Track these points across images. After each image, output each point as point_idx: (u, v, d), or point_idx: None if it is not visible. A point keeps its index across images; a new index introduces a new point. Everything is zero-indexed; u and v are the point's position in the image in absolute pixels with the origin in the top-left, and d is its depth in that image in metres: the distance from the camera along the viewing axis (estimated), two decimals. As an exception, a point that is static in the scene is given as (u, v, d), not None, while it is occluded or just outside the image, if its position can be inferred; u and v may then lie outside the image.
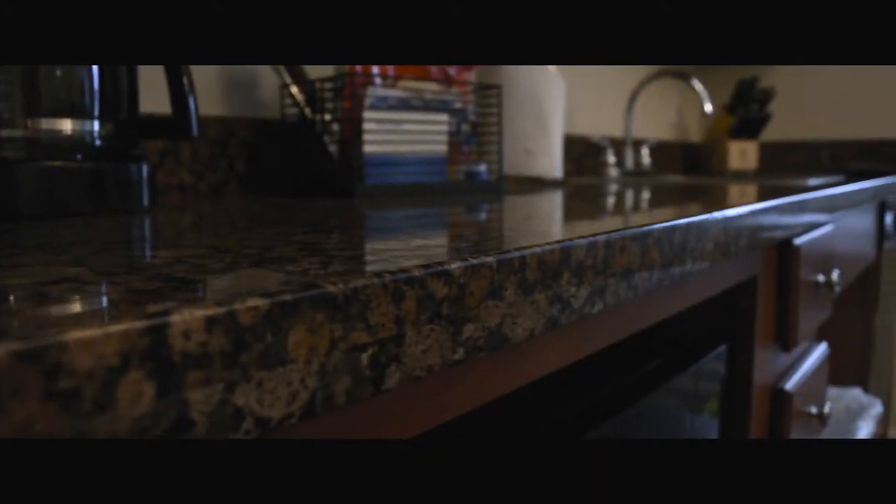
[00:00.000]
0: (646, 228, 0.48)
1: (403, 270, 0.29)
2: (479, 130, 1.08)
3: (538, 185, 1.32)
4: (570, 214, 0.59)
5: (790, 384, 1.00)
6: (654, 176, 1.78)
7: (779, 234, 0.81)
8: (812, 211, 0.97)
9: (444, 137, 1.00)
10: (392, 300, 0.28)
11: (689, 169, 2.62)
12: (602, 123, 2.02)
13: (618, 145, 2.00)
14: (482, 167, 1.06)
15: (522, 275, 0.36)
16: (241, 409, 0.24)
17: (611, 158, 1.75)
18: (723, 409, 0.87)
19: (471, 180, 1.02)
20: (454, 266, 0.31)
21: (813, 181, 1.47)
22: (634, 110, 2.19)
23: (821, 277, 1.06)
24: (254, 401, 0.24)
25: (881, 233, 1.94)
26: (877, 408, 1.61)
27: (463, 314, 0.32)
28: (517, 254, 0.35)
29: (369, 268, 0.30)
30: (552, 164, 1.37)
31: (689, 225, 0.55)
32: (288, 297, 0.25)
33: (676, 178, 1.64)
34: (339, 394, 0.27)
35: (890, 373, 2.38)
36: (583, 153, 1.87)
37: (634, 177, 1.79)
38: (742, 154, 2.43)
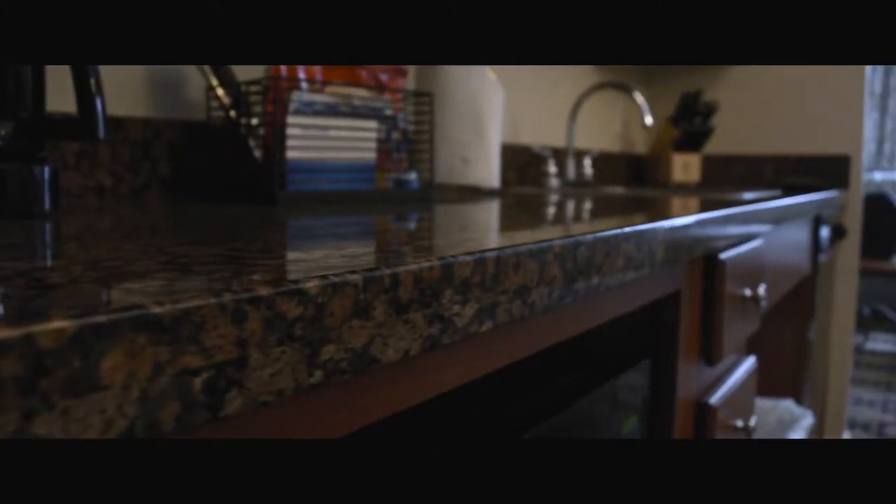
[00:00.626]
0: (545, 244, 0.47)
1: (248, 290, 0.27)
2: (411, 138, 1.07)
3: (474, 194, 1.31)
4: (486, 226, 0.58)
5: (715, 398, 1.00)
6: (595, 187, 1.79)
7: (701, 249, 0.81)
8: (739, 225, 0.98)
9: (373, 144, 0.98)
10: (232, 321, 0.27)
11: (634, 180, 2.64)
12: (547, 133, 2.02)
13: (560, 156, 2.01)
14: (412, 175, 1.04)
15: (395, 293, 0.34)
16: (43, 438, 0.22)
17: (552, 169, 1.75)
18: (645, 424, 0.87)
19: (400, 189, 1.01)
20: (310, 285, 0.30)
21: (749, 195, 1.48)
22: (578, 121, 2.19)
23: (748, 292, 1.07)
24: (58, 430, 0.22)
25: (816, 246, 1.98)
26: (808, 419, 1.64)
27: (321, 335, 0.30)
28: (388, 271, 0.34)
29: (220, 286, 0.28)
30: (489, 172, 1.36)
31: (595, 240, 0.54)
32: (103, 318, 0.23)
33: (617, 190, 1.65)
34: (167, 420, 0.25)
35: (824, 385, 2.42)
36: (525, 163, 1.87)
37: (575, 187, 1.79)
38: (685, 166, 2.46)
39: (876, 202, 3.89)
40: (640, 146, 2.75)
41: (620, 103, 2.55)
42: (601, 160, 2.32)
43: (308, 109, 0.91)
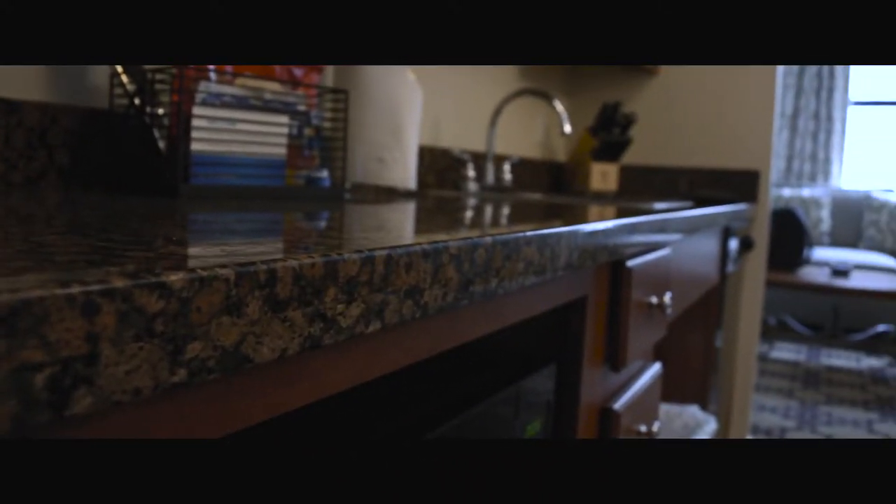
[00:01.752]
0: (440, 245, 0.46)
1: (102, 281, 0.26)
2: (325, 135, 1.05)
3: (390, 195, 1.30)
4: (390, 227, 0.57)
5: (619, 404, 1.01)
6: (513, 193, 1.80)
7: (606, 256, 0.82)
8: (646, 233, 0.99)
9: (284, 140, 0.96)
10: (82, 314, 0.25)
11: (554, 188, 2.67)
12: (468, 137, 2.02)
13: (480, 160, 2.02)
14: (324, 173, 1.03)
15: (271, 289, 0.33)
16: None
17: (471, 173, 1.76)
18: (548, 428, 0.87)
19: (311, 187, 0.99)
20: (174, 278, 0.28)
21: (659, 205, 1.51)
22: (500, 127, 2.21)
23: (654, 299, 1.09)
24: None
25: (724, 257, 2.03)
26: (711, 425, 1.68)
27: (186, 332, 0.29)
28: (264, 266, 0.32)
29: (70, 276, 0.26)
30: (406, 174, 1.35)
31: (494, 243, 0.54)
32: (-75, 307, 0.21)
33: (534, 196, 1.66)
34: (2, 420, 0.23)
35: (729, 392, 2.50)
36: (445, 166, 1.87)
37: (494, 192, 1.80)
38: (603, 176, 2.50)
39: (784, 217, 4.04)
40: (561, 154, 2.79)
41: (542, 111, 2.58)
42: (521, 166, 2.34)
43: (216, 101, 0.89)
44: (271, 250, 0.36)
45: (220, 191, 0.88)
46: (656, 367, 1.24)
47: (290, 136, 0.99)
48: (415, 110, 1.36)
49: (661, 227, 1.07)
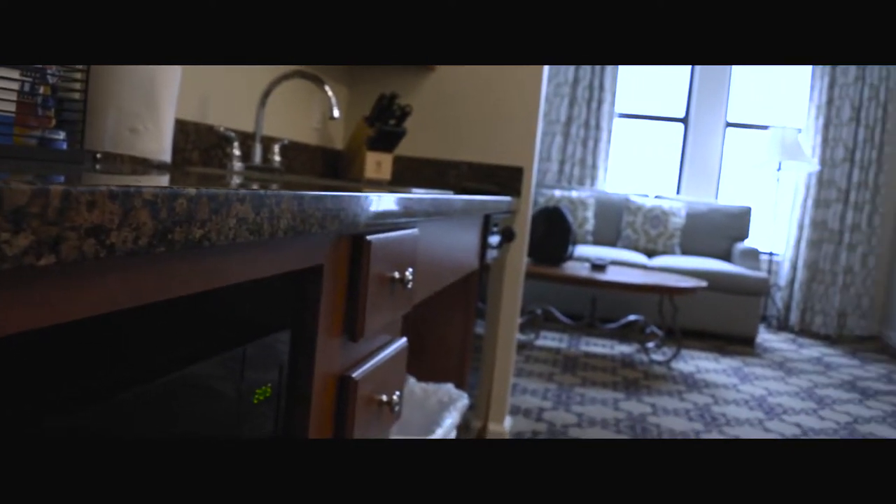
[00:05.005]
0: (132, 188, 0.48)
1: None
2: (61, 96, 1.01)
3: (141, 166, 1.27)
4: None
5: (357, 373, 1.06)
6: (279, 174, 1.81)
7: (336, 226, 0.86)
8: (383, 208, 1.04)
9: (13, 95, 0.91)
10: None
11: (330, 174, 2.70)
12: (239, 117, 2.00)
13: (250, 140, 2.00)
14: (60, 136, 0.99)
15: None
16: None
17: (237, 151, 1.74)
18: (282, 394, 0.89)
19: (43, 148, 0.95)
20: None
21: (417, 191, 1.59)
22: (274, 110, 2.20)
23: (397, 274, 1.15)
24: None
25: (484, 245, 2.16)
26: (464, 401, 1.78)
27: None
28: None
29: None
30: (161, 146, 1.32)
31: (199, 195, 0.55)
32: None
33: (298, 178, 1.68)
34: None
35: (490, 374, 2.65)
36: (213, 144, 1.84)
37: (259, 172, 1.80)
38: (378, 165, 2.57)
39: (551, 215, 4.33)
40: (340, 142, 2.82)
41: (320, 97, 2.60)
42: (294, 150, 2.35)
43: (-70, 49, 0.83)
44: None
45: (-68, 144, 0.82)
46: (401, 342, 1.31)
47: (20, 92, 0.94)
48: (172, 82, 1.33)
49: (406, 207, 1.13)
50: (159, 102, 1.31)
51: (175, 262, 0.60)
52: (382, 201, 1.01)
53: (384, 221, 1.03)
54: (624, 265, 5.11)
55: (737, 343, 5.00)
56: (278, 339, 0.87)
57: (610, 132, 6.16)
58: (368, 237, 1.02)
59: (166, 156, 1.34)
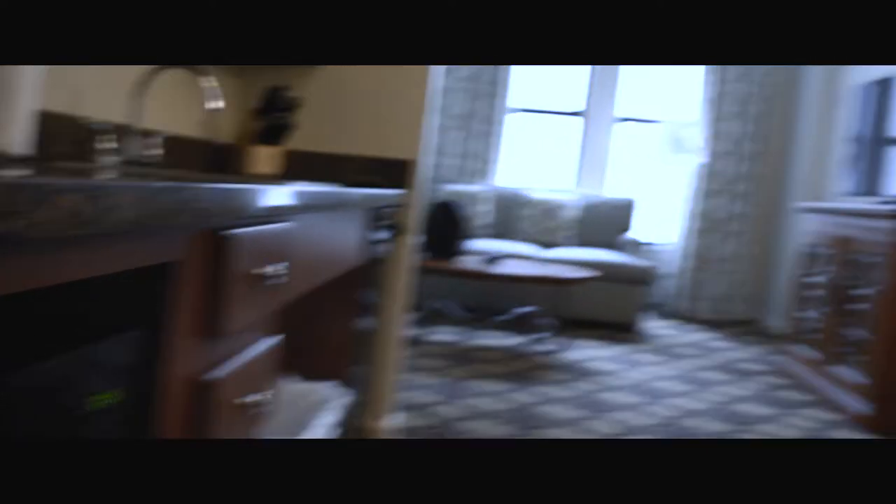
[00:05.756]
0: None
1: None
2: None
3: (-5, 158, 1.21)
4: None
5: (220, 373, 1.03)
6: (156, 168, 1.76)
7: (187, 219, 0.83)
8: (244, 201, 1.02)
9: None
10: None
11: (216, 169, 2.64)
12: (118, 109, 1.93)
13: (124, 133, 1.93)
14: None
15: None
16: None
17: (109, 145, 1.68)
18: (131, 398, 0.86)
19: None
20: None
21: (297, 185, 1.57)
22: (156, 102, 2.13)
23: (267, 270, 1.13)
24: None
25: (371, 239, 2.16)
26: (343, 399, 1.78)
27: None
28: None
29: None
30: (17, 138, 1.26)
31: (15, 184, 0.53)
32: None
33: (175, 172, 1.64)
34: None
35: (380, 370, 2.65)
36: (85, 138, 1.77)
37: (134, 166, 1.74)
38: (268, 159, 2.53)
39: (445, 209, 4.36)
40: (228, 136, 2.76)
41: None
42: (177, 145, 2.28)
43: None
44: None
45: None
46: (273, 340, 1.28)
47: None
48: (30, 70, 1.27)
49: (273, 200, 1.11)
50: (15, 91, 1.25)
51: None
52: (244, 194, 0.99)
53: (249, 215, 1.01)
54: (519, 258, 5.19)
55: (625, 331, 5.17)
56: (127, 340, 0.84)
57: (502, 125, 6.25)
58: (232, 231, 1.00)
59: (24, 148, 1.28)
